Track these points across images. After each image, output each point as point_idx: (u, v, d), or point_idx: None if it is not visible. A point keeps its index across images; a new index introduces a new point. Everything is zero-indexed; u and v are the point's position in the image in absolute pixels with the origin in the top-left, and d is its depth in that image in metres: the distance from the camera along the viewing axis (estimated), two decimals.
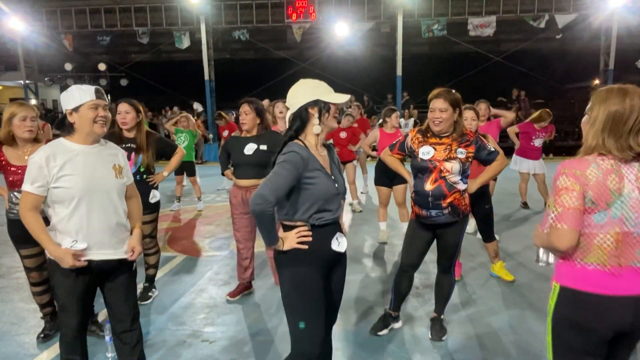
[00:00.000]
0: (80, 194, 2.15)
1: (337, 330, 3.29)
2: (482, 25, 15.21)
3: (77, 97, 2.16)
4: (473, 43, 16.13)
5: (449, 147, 2.81)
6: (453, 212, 2.82)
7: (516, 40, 16.84)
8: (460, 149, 2.80)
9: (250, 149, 3.54)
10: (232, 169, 3.81)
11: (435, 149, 2.82)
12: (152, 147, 3.61)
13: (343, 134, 7.23)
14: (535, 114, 6.75)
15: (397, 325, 3.31)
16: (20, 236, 2.90)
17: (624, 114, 1.56)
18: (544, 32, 15.71)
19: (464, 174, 2.85)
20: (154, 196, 3.67)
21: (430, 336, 3.14)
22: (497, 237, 4.37)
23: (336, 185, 2.07)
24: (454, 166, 2.77)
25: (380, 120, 5.69)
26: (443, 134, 2.85)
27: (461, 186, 2.83)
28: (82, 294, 2.24)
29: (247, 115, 3.56)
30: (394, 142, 3.17)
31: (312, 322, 2.01)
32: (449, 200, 2.78)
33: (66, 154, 2.16)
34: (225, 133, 8.94)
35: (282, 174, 1.91)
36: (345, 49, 16.56)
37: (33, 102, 17.94)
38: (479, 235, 4.39)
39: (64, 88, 18.68)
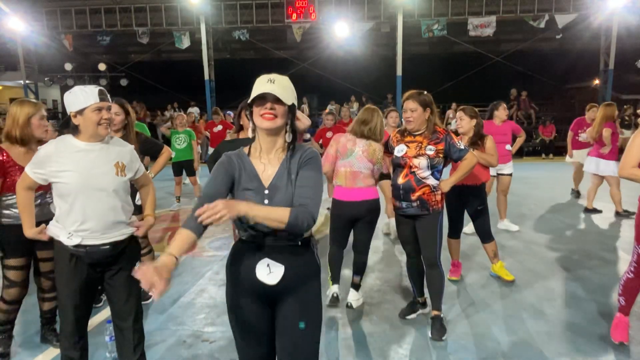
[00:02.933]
0: (76, 191, 2.18)
1: (335, 329, 3.30)
2: (482, 25, 15.21)
3: (82, 99, 2.17)
4: (473, 43, 16.14)
5: (419, 144, 3.08)
6: (421, 206, 3.08)
7: (516, 40, 16.86)
8: (429, 146, 3.06)
9: None
10: None
11: (408, 146, 3.11)
12: (140, 147, 3.57)
13: (329, 134, 7.25)
14: (605, 112, 6.31)
15: (425, 310, 3.49)
16: (12, 243, 2.84)
17: (367, 118, 3.43)
18: (544, 32, 15.72)
19: (434, 170, 3.08)
20: (140, 198, 3.63)
21: (430, 335, 3.14)
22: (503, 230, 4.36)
23: (265, 201, 1.69)
24: (421, 162, 3.03)
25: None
26: (416, 132, 3.11)
27: (431, 181, 3.07)
28: (78, 288, 2.26)
29: None
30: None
31: (237, 343, 1.85)
32: (417, 194, 3.07)
33: (68, 150, 2.20)
34: (219, 128, 9.09)
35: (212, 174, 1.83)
36: (345, 49, 16.57)
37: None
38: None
39: (64, 88, 18.68)
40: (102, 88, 2.24)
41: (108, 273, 2.33)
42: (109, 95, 2.27)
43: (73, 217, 2.20)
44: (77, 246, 2.21)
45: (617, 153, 6.46)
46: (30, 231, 2.40)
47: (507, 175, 5.75)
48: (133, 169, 2.39)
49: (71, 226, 2.21)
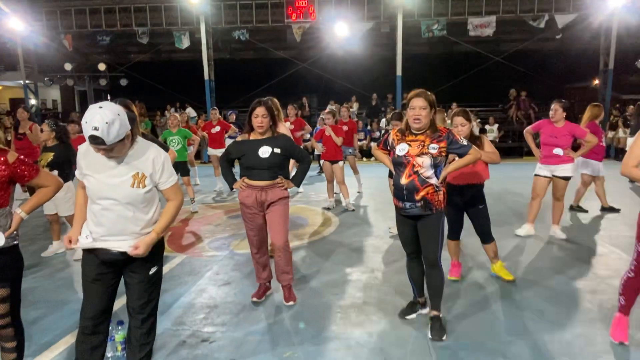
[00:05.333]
0: (92, 195, 2.25)
1: (335, 328, 3.30)
2: (482, 25, 15.19)
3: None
4: (473, 43, 16.12)
5: (422, 143, 3.06)
6: (425, 206, 3.05)
7: (516, 40, 16.83)
8: (432, 145, 3.03)
9: (265, 151, 3.51)
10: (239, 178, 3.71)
11: (410, 145, 3.08)
12: None
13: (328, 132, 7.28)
14: (591, 112, 6.56)
15: (424, 311, 3.48)
16: None
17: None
18: (543, 32, 15.69)
19: (437, 169, 3.06)
20: None
21: (430, 336, 3.14)
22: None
23: None
24: (424, 161, 3.01)
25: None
26: (419, 131, 3.08)
27: (434, 181, 3.05)
28: (94, 281, 2.32)
29: (264, 118, 3.51)
30: (380, 139, 3.49)
31: None
32: (421, 193, 3.03)
33: (94, 154, 2.23)
34: (217, 129, 9.12)
35: None
36: (345, 49, 16.55)
37: (33, 102, 17.94)
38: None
39: (63, 88, 18.68)
40: (94, 134, 2.00)
41: (125, 269, 2.38)
42: (105, 137, 2.02)
43: (91, 217, 2.29)
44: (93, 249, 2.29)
45: (601, 152, 6.91)
46: (71, 230, 2.40)
47: (561, 178, 5.35)
48: (155, 179, 2.30)
49: (89, 226, 2.29)
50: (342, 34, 15.62)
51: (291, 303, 3.71)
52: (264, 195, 3.56)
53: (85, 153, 2.27)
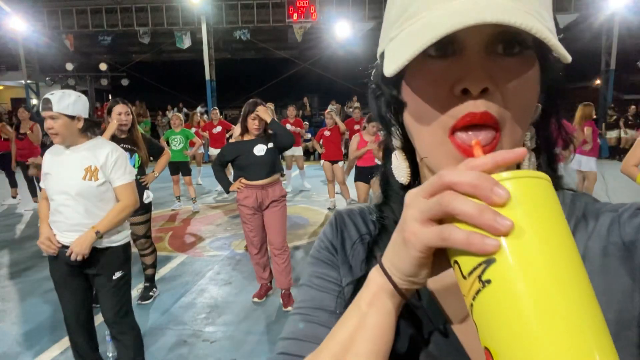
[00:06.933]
0: (51, 194, 2.29)
1: None
2: None
3: None
4: None
5: None
6: None
7: None
8: None
9: (260, 150, 3.57)
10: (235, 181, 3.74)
11: None
12: (145, 146, 3.65)
13: (327, 133, 7.29)
14: (583, 111, 6.64)
15: None
16: None
17: None
18: None
19: None
20: (148, 196, 3.68)
21: None
22: None
23: None
24: None
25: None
26: None
27: None
28: (63, 285, 2.38)
29: (261, 121, 3.57)
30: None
31: None
32: None
33: (52, 153, 2.32)
34: (218, 129, 9.09)
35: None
36: (346, 49, 16.56)
37: (34, 102, 17.98)
38: None
39: (65, 88, 18.67)
40: (47, 97, 2.17)
41: (89, 275, 2.40)
42: (53, 103, 2.15)
43: (50, 216, 2.34)
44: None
45: (597, 150, 6.93)
46: (41, 229, 2.37)
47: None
48: (107, 173, 2.32)
49: (53, 226, 2.34)
50: (343, 33, 15.63)
51: (290, 309, 3.66)
52: (264, 194, 3.58)
53: (48, 153, 2.34)
